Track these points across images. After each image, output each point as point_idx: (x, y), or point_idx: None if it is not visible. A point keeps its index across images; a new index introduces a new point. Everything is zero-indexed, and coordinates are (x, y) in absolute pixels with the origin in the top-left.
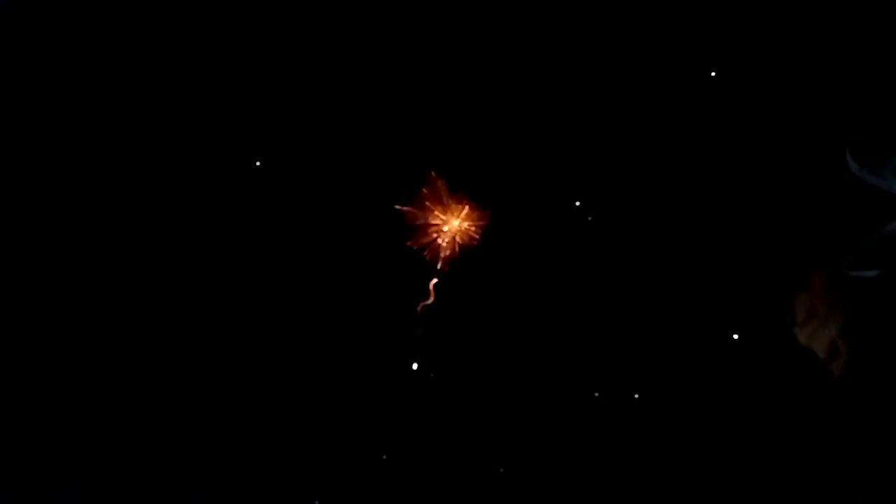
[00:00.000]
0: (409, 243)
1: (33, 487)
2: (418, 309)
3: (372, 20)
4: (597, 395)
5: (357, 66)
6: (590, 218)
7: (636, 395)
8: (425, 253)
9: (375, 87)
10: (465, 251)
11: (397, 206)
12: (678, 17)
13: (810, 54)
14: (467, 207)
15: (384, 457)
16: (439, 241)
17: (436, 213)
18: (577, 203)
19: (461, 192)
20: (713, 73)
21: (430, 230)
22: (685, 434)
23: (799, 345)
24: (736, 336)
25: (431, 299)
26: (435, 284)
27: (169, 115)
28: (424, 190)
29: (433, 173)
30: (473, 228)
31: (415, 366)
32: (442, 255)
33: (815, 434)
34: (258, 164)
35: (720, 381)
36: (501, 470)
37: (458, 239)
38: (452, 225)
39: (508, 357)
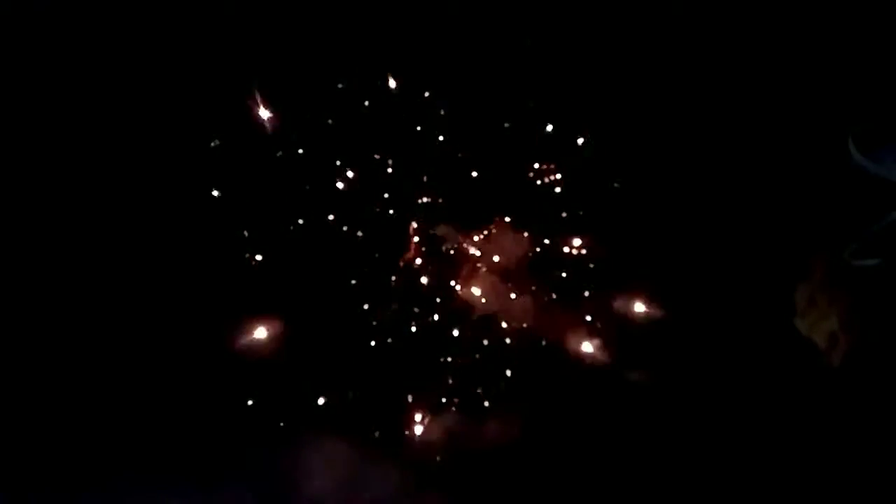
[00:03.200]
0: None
1: None
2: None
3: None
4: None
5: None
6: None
7: (636, 385)
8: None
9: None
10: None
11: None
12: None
13: (813, 47)
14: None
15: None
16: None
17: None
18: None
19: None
20: (717, 65)
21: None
22: (686, 421)
23: (799, 335)
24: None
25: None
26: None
27: (167, 116)
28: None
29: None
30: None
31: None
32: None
33: (814, 423)
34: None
35: (722, 370)
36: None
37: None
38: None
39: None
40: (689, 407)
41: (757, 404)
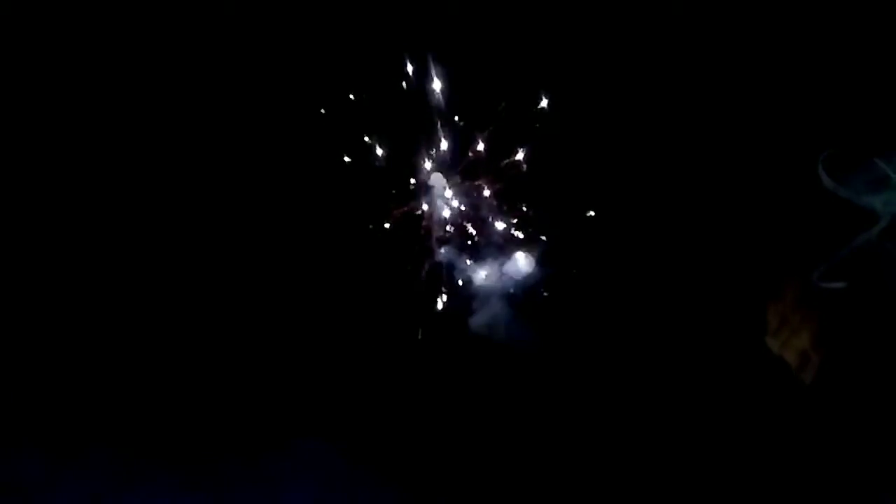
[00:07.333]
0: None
1: None
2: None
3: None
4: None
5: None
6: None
7: (616, 398)
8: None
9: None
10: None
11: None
12: (655, 37)
13: (784, 73)
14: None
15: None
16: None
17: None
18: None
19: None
20: (689, 93)
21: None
22: (661, 437)
23: (771, 353)
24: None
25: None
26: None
27: (168, 116)
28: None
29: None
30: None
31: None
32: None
33: (787, 439)
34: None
35: (694, 387)
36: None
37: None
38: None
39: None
40: (663, 425)
41: (731, 419)
